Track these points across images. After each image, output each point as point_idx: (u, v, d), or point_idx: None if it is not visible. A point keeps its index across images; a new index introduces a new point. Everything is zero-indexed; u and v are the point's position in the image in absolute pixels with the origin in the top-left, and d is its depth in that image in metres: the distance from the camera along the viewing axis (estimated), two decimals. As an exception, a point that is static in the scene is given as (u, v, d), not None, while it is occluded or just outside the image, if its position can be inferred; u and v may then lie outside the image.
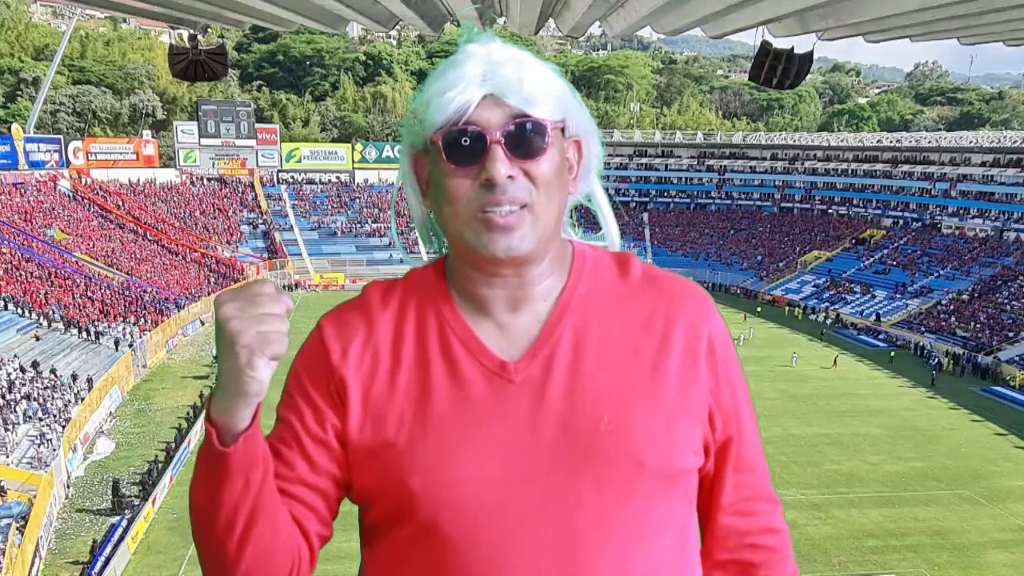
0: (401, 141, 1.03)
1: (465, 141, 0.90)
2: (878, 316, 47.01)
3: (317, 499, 0.98)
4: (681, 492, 0.98)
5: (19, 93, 68.87)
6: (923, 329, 43.20)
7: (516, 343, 0.98)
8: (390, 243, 55.77)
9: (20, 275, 36.82)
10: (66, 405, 25.22)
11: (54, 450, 21.65)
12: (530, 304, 1.00)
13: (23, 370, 26.90)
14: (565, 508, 0.91)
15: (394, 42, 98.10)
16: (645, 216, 69.44)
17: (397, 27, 7.87)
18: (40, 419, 23.87)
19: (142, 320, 37.00)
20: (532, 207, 0.92)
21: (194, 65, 7.98)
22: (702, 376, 1.00)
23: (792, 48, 6.48)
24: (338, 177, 68.30)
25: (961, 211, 56.29)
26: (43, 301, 35.02)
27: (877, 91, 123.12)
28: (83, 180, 56.67)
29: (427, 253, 1.12)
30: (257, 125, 67.01)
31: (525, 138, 0.91)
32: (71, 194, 54.48)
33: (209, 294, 45.13)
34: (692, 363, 0.99)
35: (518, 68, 0.92)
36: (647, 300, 1.01)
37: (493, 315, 0.99)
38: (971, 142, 57.87)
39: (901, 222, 60.20)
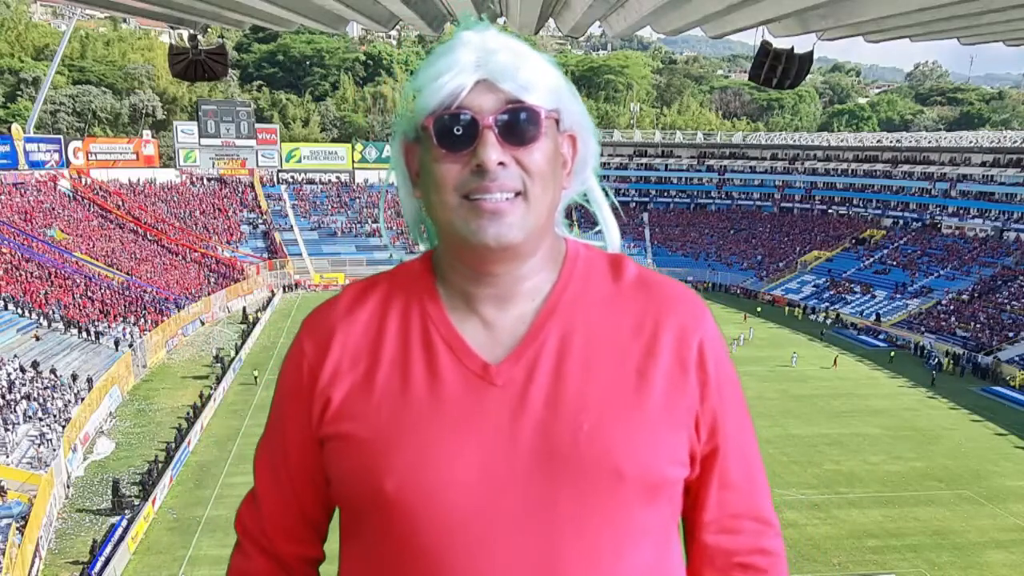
0: (393, 132, 1.00)
1: (457, 129, 0.88)
2: (878, 316, 47.01)
3: (321, 493, 1.03)
4: (665, 500, 0.96)
5: (19, 93, 68.88)
6: (923, 329, 43.20)
7: (501, 344, 0.95)
8: (393, 240, 56.04)
9: (20, 275, 36.82)
10: (66, 405, 25.22)
11: (54, 450, 21.66)
12: (518, 302, 0.97)
13: (23, 370, 26.91)
14: (543, 516, 0.89)
15: (394, 42, 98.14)
16: (645, 216, 69.45)
17: (397, 27, 7.88)
18: (40, 419, 23.87)
19: (142, 320, 37.01)
20: (525, 195, 0.89)
21: (194, 65, 7.97)
22: (690, 385, 0.96)
23: (792, 48, 6.48)
24: (338, 177, 68.31)
25: (961, 211, 56.31)
26: (43, 301, 35.02)
27: (877, 91, 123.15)
28: (83, 180, 56.66)
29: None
30: (257, 125, 67.00)
31: (518, 125, 0.88)
32: (71, 194, 54.46)
33: (209, 294, 45.18)
34: (680, 371, 0.95)
35: (514, 55, 0.90)
36: (638, 304, 0.98)
37: (479, 313, 0.97)
38: (971, 142, 57.87)
39: (901, 222, 60.22)
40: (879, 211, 62.61)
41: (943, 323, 43.45)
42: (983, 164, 55.98)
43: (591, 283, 0.99)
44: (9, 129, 52.93)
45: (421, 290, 0.99)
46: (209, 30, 8.16)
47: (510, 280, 0.96)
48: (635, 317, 0.97)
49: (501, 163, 0.88)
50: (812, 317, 49.29)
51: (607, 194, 1.07)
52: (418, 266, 1.02)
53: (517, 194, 0.89)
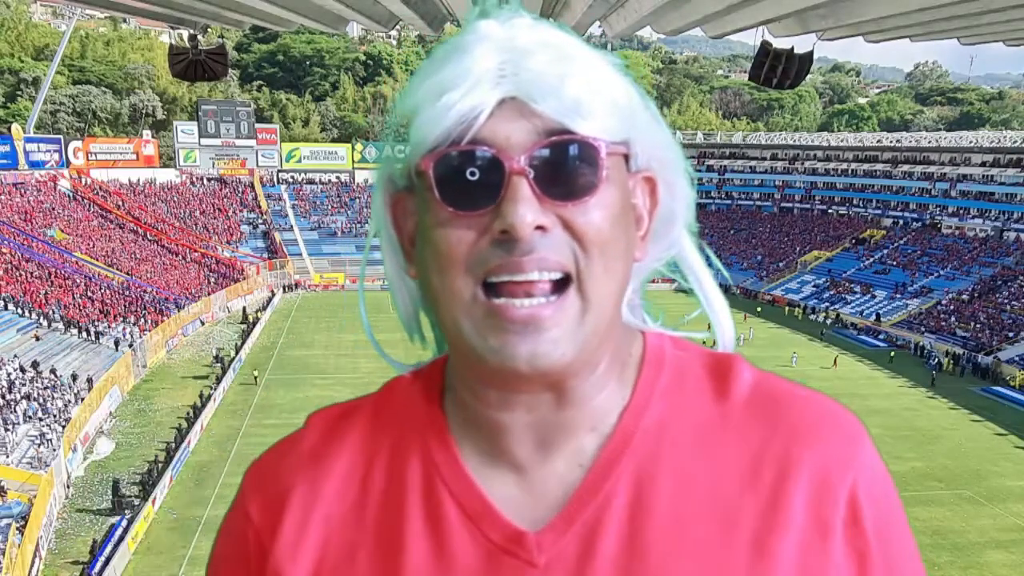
0: (377, 170, 0.70)
1: (472, 173, 0.57)
2: (878, 316, 47.01)
3: None
4: None
5: (19, 93, 68.88)
6: (923, 329, 43.21)
7: (543, 500, 0.64)
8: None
9: (20, 275, 36.83)
10: (66, 405, 25.22)
11: (54, 450, 21.66)
12: (570, 436, 0.64)
13: (23, 370, 26.91)
14: None
15: (394, 42, 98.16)
16: (645, 216, 69.63)
17: (397, 27, 7.89)
18: (40, 419, 23.87)
19: (142, 320, 37.00)
20: (579, 282, 0.58)
21: (194, 65, 7.98)
22: (837, 559, 0.62)
23: (792, 48, 6.48)
24: (338, 177, 68.35)
25: (961, 211, 56.33)
26: (43, 301, 35.02)
27: (877, 91, 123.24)
28: (83, 180, 56.68)
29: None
30: (257, 125, 67.06)
31: (566, 168, 0.58)
32: (71, 194, 54.48)
33: (209, 294, 45.18)
34: (821, 537, 0.62)
35: (556, 58, 0.59)
36: (754, 434, 0.64)
37: (510, 452, 0.65)
38: (971, 142, 57.93)
39: (901, 222, 60.24)
40: (879, 211, 62.63)
41: (943, 323, 43.46)
42: (983, 164, 56.01)
43: (683, 403, 0.66)
44: (9, 129, 52.96)
45: (422, 423, 0.69)
46: (209, 30, 8.17)
47: (557, 402, 0.64)
48: (749, 456, 0.63)
49: (540, 227, 0.57)
50: (812, 317, 49.27)
51: (710, 262, 0.73)
52: (419, 385, 0.71)
53: (565, 278, 0.58)
